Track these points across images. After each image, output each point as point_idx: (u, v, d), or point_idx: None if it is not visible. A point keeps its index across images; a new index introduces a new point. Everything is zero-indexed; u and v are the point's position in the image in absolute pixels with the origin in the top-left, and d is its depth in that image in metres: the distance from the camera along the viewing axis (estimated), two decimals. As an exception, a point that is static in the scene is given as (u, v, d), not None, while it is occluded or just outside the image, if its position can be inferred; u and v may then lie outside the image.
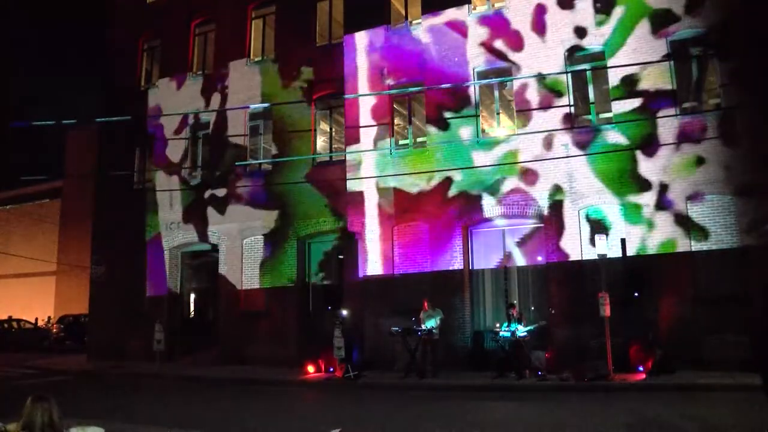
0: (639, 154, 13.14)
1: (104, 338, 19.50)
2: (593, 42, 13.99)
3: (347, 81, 16.54)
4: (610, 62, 13.64)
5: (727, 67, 12.80)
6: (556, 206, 13.82)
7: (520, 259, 14.72)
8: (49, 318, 31.30)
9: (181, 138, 19.22)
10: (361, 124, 16.10)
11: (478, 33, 15.15)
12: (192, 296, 19.97)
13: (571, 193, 13.71)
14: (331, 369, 14.19)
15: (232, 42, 18.97)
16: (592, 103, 14.29)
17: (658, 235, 12.84)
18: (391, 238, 15.55)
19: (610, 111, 13.90)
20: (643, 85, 13.34)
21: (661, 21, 13.31)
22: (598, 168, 13.52)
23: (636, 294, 12.36)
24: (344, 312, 15.12)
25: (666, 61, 13.17)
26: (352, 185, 16.09)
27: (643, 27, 13.46)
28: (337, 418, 9.30)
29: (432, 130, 15.45)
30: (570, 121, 14.00)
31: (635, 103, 13.34)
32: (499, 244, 14.88)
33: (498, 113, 15.91)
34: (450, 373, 13.19)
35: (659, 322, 12.42)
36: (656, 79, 13.27)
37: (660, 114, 13.07)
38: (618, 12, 13.73)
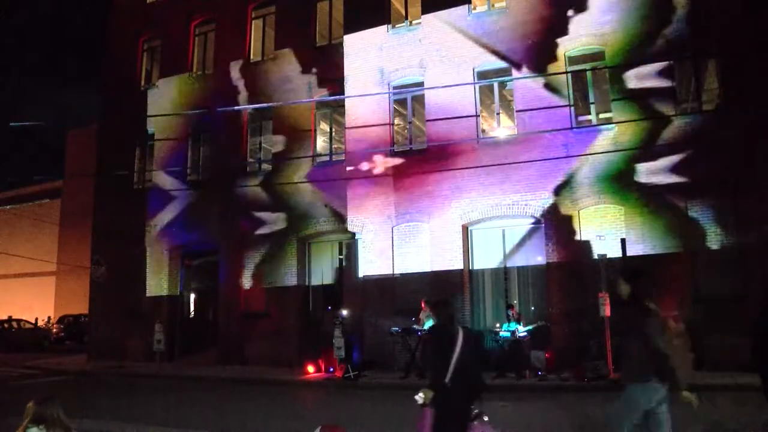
0: (639, 154, 13.14)
1: (104, 338, 19.50)
2: (593, 42, 13.99)
3: (347, 81, 16.55)
4: (609, 62, 13.65)
5: (725, 68, 12.82)
6: (556, 206, 13.82)
7: (520, 259, 14.72)
8: (49, 318, 31.33)
9: (181, 138, 19.23)
10: (360, 124, 16.09)
11: (478, 33, 15.15)
12: (192, 296, 19.98)
13: (571, 193, 13.72)
14: (331, 369, 14.19)
15: (232, 42, 18.97)
16: (592, 103, 14.30)
17: (658, 235, 12.85)
18: (391, 238, 15.55)
19: (610, 111, 13.91)
20: (643, 85, 13.35)
21: (660, 20, 13.33)
22: (598, 168, 13.52)
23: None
24: (344, 312, 15.13)
25: (666, 61, 13.18)
26: (352, 185, 16.09)
27: (643, 27, 13.47)
28: (337, 418, 9.30)
29: (432, 129, 15.44)
30: (570, 121, 14.00)
31: (635, 103, 13.34)
32: (499, 244, 14.89)
33: (498, 113, 15.92)
34: (450, 373, 13.16)
35: (659, 322, 12.40)
36: (656, 79, 13.27)
37: (660, 114, 13.07)
38: (617, 12, 13.75)
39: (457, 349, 5.09)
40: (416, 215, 15.29)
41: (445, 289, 14.53)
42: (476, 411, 5.21)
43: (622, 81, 13.54)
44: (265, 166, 18.12)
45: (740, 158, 12.23)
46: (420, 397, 5.08)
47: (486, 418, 5.27)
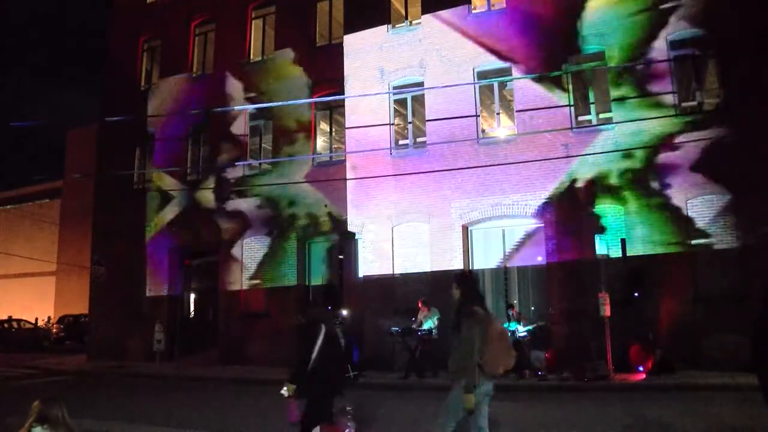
0: (639, 154, 13.14)
1: (104, 338, 19.50)
2: (592, 42, 14.00)
3: (347, 81, 16.54)
4: (609, 63, 13.66)
5: (725, 68, 12.82)
6: (556, 206, 13.82)
7: (520, 259, 14.71)
8: (49, 318, 31.33)
9: (181, 138, 19.23)
10: (360, 124, 16.09)
11: (478, 33, 15.15)
12: (192, 296, 19.97)
13: (571, 193, 13.71)
14: (331, 369, 14.16)
15: (232, 42, 18.98)
16: (592, 103, 14.30)
17: (658, 235, 12.85)
18: (391, 238, 15.55)
19: (610, 111, 13.91)
20: (643, 85, 13.35)
21: (660, 20, 13.33)
22: (598, 168, 13.52)
23: (636, 294, 12.37)
24: (344, 312, 15.11)
25: (666, 61, 13.18)
26: (352, 185, 16.08)
27: (643, 26, 13.47)
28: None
29: (432, 129, 15.44)
30: (570, 121, 14.00)
31: (635, 103, 13.34)
32: (499, 243, 14.88)
33: (498, 113, 15.92)
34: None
35: (659, 322, 12.43)
36: (656, 79, 13.28)
37: (659, 114, 13.07)
38: (617, 12, 13.75)
39: (318, 343, 5.63)
40: (416, 215, 15.29)
41: (445, 288, 14.52)
42: (342, 405, 5.70)
43: (622, 81, 13.55)
44: (265, 166, 18.12)
45: (740, 158, 12.22)
46: (285, 391, 5.43)
47: (349, 409, 5.91)
